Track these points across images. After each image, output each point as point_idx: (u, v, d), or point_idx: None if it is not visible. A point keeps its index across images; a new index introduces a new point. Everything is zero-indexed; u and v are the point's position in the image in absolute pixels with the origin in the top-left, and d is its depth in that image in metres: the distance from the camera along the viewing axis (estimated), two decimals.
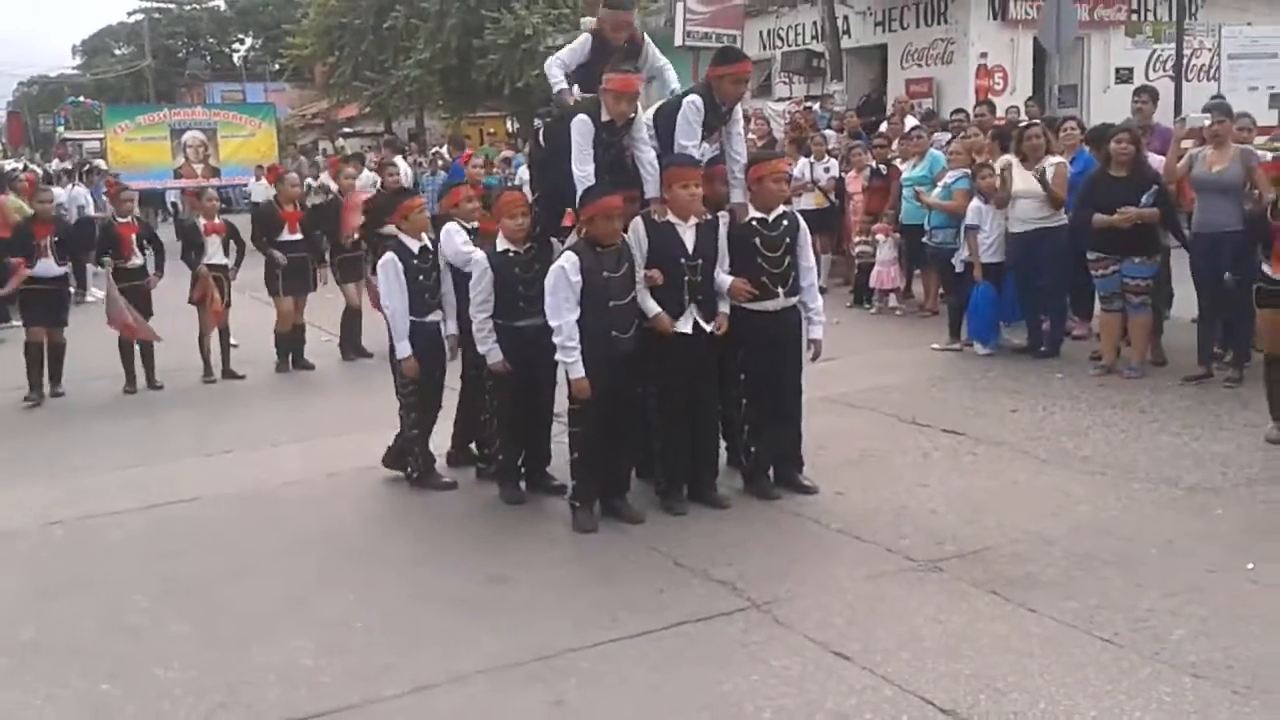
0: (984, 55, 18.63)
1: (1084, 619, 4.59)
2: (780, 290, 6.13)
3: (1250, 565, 5.05)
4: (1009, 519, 5.74)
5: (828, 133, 14.58)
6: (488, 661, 4.50)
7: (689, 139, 6.12)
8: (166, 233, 12.61)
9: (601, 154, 6.08)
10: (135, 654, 4.75)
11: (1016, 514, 5.81)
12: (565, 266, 5.71)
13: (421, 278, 6.59)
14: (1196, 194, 8.28)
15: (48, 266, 9.57)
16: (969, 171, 9.86)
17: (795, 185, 11.86)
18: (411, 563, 5.70)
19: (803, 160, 12.93)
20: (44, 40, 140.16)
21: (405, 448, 6.81)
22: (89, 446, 8.18)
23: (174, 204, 25.85)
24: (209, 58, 61.94)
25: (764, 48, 22.38)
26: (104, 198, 14.73)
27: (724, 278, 6.05)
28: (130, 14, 61.64)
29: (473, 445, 7.01)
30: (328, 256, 10.81)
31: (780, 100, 20.18)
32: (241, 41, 62.07)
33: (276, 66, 47.64)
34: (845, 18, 20.08)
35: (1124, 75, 19.45)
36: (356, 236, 10.65)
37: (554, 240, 6.36)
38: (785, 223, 6.20)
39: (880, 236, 11.62)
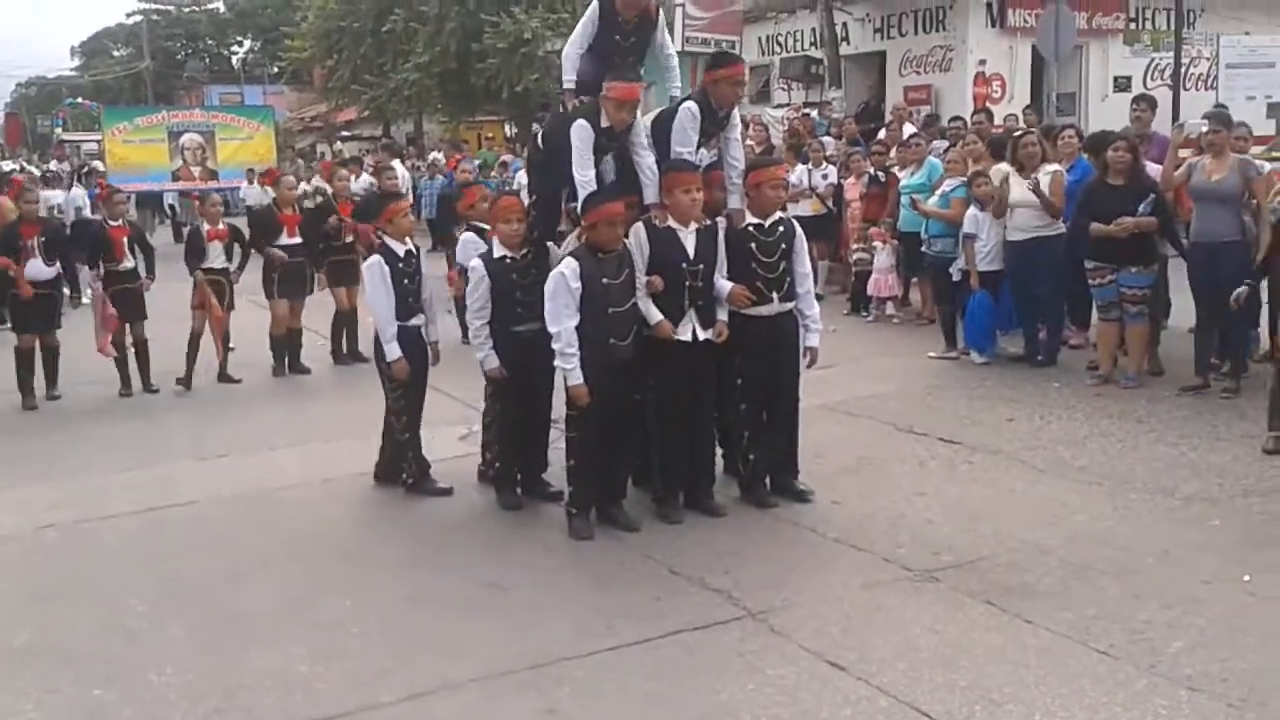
0: (982, 63, 18.69)
1: (1080, 630, 4.58)
2: (775, 295, 6.13)
3: (1247, 577, 5.05)
4: (1005, 528, 5.74)
5: (826, 139, 14.59)
6: (483, 669, 4.49)
7: (685, 145, 6.13)
8: (164, 235, 12.60)
9: (600, 159, 6.08)
10: (130, 658, 4.74)
11: (1013, 523, 5.81)
12: (565, 273, 5.71)
13: (406, 281, 6.60)
14: (1195, 203, 8.29)
15: (37, 269, 9.52)
16: (966, 180, 9.87)
17: (793, 192, 11.86)
18: (407, 568, 5.68)
19: (800, 167, 12.95)
20: (42, 41, 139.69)
21: (397, 454, 6.80)
22: (84, 450, 8.17)
23: (171, 206, 25.81)
24: (208, 60, 61.98)
25: (763, 54, 22.43)
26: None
27: (724, 284, 6.05)
28: (129, 15, 61.76)
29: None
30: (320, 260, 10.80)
31: (779, 106, 20.19)
32: (240, 44, 62.12)
33: (275, 69, 47.64)
34: (844, 24, 20.13)
35: (1122, 84, 19.53)
36: (350, 239, 10.63)
37: (550, 245, 6.36)
38: (781, 229, 6.20)
39: (878, 244, 11.63)
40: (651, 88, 6.79)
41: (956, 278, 9.60)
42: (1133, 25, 20.04)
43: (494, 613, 5.06)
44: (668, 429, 6.08)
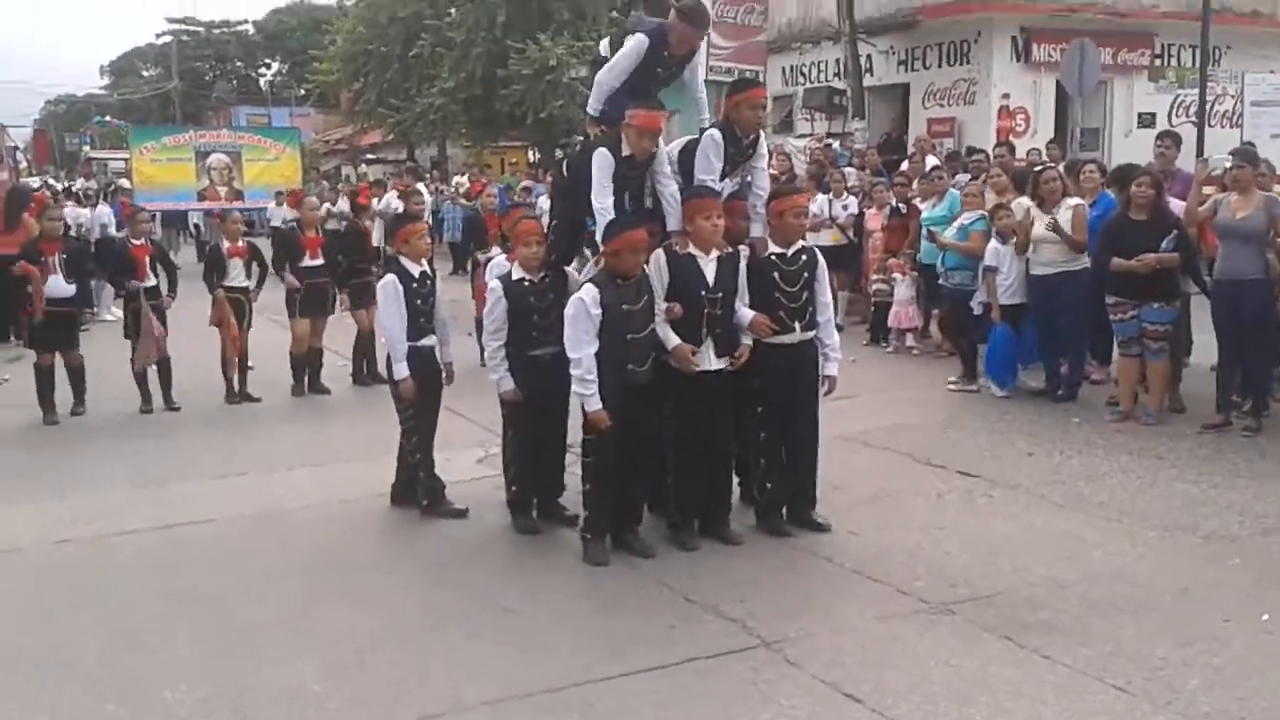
0: (1006, 96, 18.70)
1: (1097, 666, 4.54)
2: (797, 325, 6.13)
3: (1266, 615, 5.00)
4: (1023, 563, 5.70)
5: (848, 170, 14.61)
6: (495, 692, 4.48)
7: (708, 173, 6.14)
8: (188, 254, 12.68)
9: (621, 187, 6.10)
10: (143, 673, 4.75)
11: (1031, 558, 5.77)
12: (585, 299, 5.72)
13: (419, 301, 6.64)
14: (1219, 240, 8.25)
15: (58, 285, 9.60)
16: (985, 213, 9.87)
17: (813, 222, 11.87)
18: (422, 589, 5.68)
19: (821, 197, 12.96)
20: (72, 60, 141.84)
21: (411, 477, 6.82)
22: (104, 465, 8.21)
23: (196, 226, 26.01)
24: (236, 81, 62.56)
25: (786, 84, 22.51)
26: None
27: (745, 312, 6.05)
28: (158, 36, 62.39)
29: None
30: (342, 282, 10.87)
31: (801, 136, 20.24)
32: (268, 66, 62.68)
33: (302, 91, 48.25)
34: (868, 56, 20.18)
35: (1146, 120, 19.51)
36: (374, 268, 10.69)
37: (568, 269, 6.38)
38: (804, 257, 6.20)
39: (897, 275, 11.62)
40: (674, 116, 6.79)
41: (977, 310, 9.57)
42: (1158, 62, 20.04)
43: (507, 636, 5.05)
44: (684, 455, 6.06)
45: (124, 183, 23.14)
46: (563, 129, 25.98)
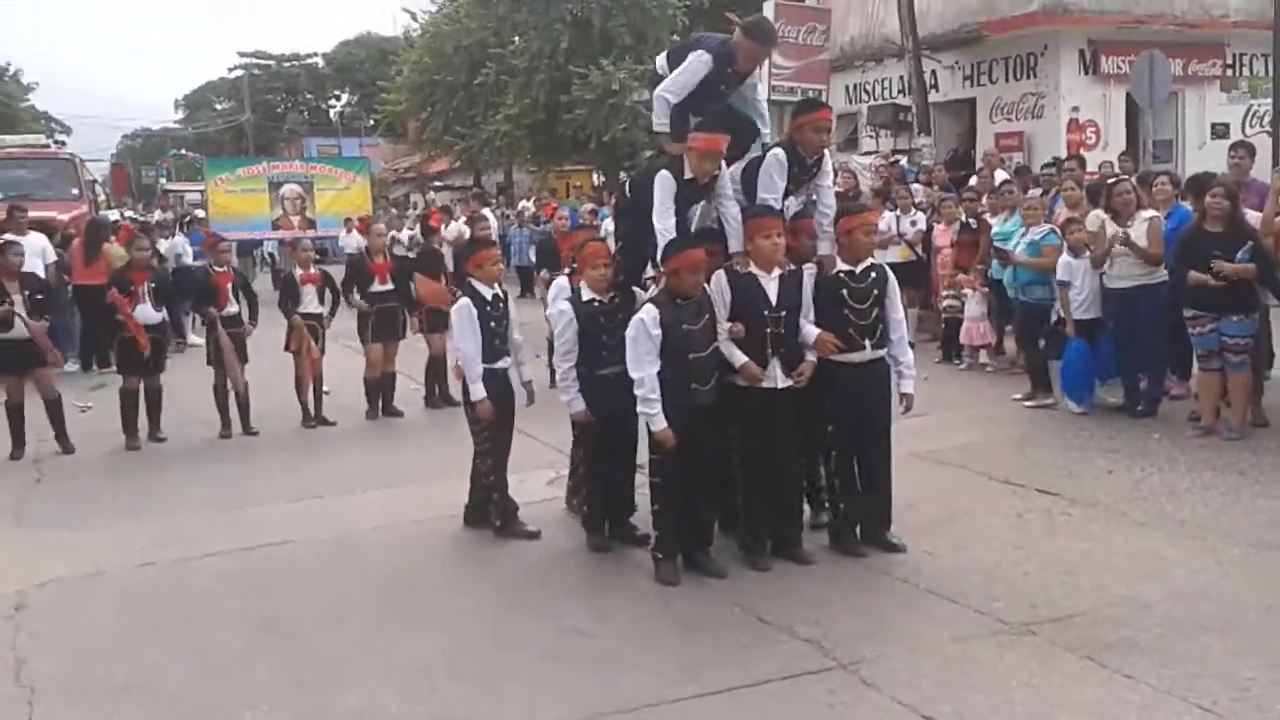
0: (1075, 109, 18.47)
1: (1182, 686, 4.43)
2: (867, 343, 6.09)
3: None
4: (1104, 582, 5.59)
5: (915, 186, 14.50)
6: (568, 713, 4.49)
7: (770, 192, 6.15)
8: (263, 282, 12.90)
9: (684, 209, 6.12)
10: (224, 697, 4.82)
11: (1112, 577, 5.66)
12: (645, 319, 5.75)
13: (493, 324, 6.71)
14: None
15: (146, 313, 9.82)
16: (1055, 227, 9.74)
17: (881, 238, 11.80)
18: (495, 611, 5.71)
19: (888, 214, 12.88)
20: (148, 94, 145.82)
21: (484, 498, 6.86)
22: (184, 490, 8.36)
23: (271, 254, 26.47)
24: (306, 113, 63.74)
25: (850, 102, 22.43)
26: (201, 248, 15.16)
27: (809, 329, 6.03)
28: (231, 70, 63.78)
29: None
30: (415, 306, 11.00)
31: (866, 154, 20.15)
32: (338, 98, 63.78)
33: (371, 122, 48.87)
34: (933, 72, 20.05)
35: (1220, 130, 19.15)
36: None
37: (636, 290, 6.40)
38: (873, 275, 6.17)
39: (968, 291, 11.50)
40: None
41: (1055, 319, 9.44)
42: (1230, 72, 19.67)
43: (579, 657, 5.06)
44: (752, 476, 6.04)
45: (199, 213, 23.61)
46: (625, 152, 26.12)
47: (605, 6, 26.37)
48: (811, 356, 6.02)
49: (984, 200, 12.21)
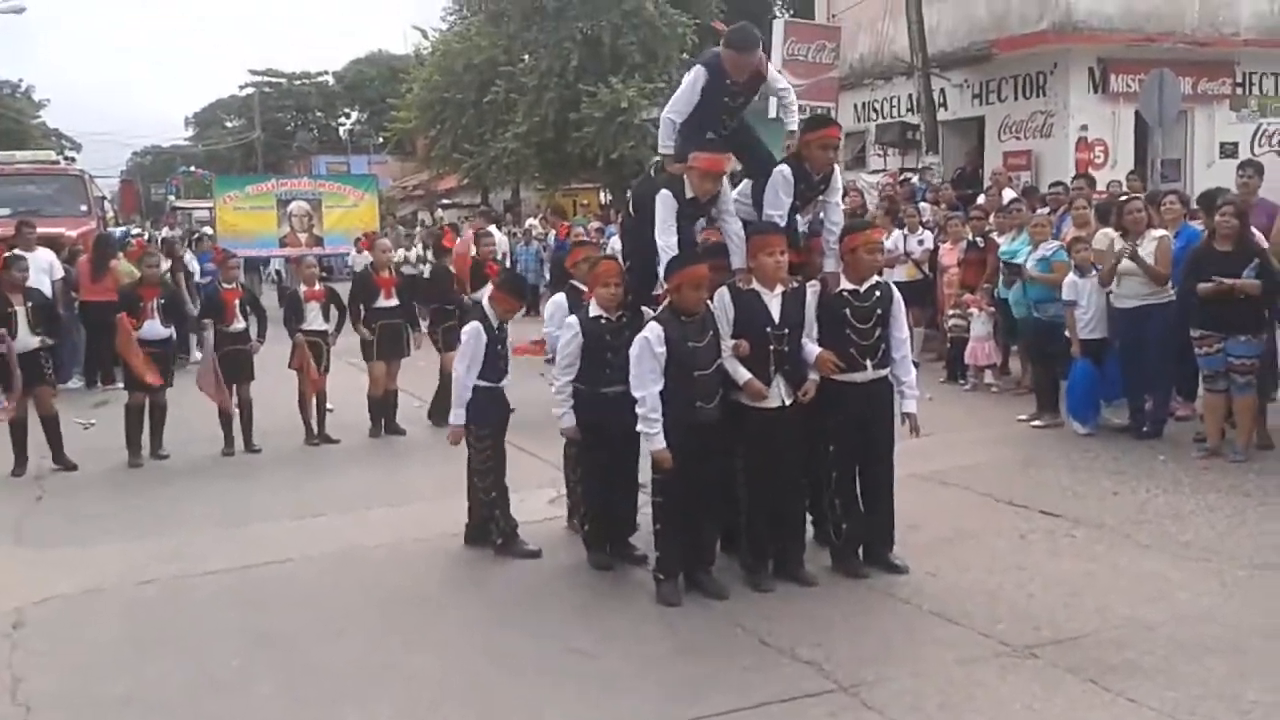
0: (1084, 128, 18.42)
1: (1186, 709, 4.40)
2: (869, 362, 6.06)
3: None
4: (1108, 604, 5.55)
5: (922, 205, 14.49)
6: None
7: (775, 208, 6.14)
8: (269, 299, 12.91)
9: (686, 226, 6.11)
10: (224, 713, 4.81)
11: (1116, 599, 5.61)
12: (650, 337, 5.73)
13: (499, 347, 6.79)
14: None
15: (154, 329, 9.84)
16: (1064, 245, 9.72)
17: (888, 257, 11.78)
18: (495, 630, 5.68)
19: (895, 232, 12.87)
20: (158, 112, 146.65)
21: (486, 516, 6.85)
22: (186, 506, 8.35)
23: (278, 271, 26.50)
24: (316, 130, 63.92)
25: (859, 120, 22.44)
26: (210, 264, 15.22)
27: (811, 348, 6.01)
28: (241, 88, 63.95)
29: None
30: (427, 324, 10.99)
31: (874, 172, 20.15)
32: (347, 115, 63.97)
33: (380, 139, 49.11)
34: (941, 90, 20.04)
35: (1229, 150, 19.09)
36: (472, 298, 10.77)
37: (645, 308, 6.38)
38: (878, 293, 6.14)
39: (974, 310, 11.46)
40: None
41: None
42: (1239, 91, 19.62)
43: (579, 678, 5.02)
44: (755, 495, 6.01)
45: (208, 230, 23.66)
46: (633, 170, 26.12)
47: (615, 25, 26.46)
48: (814, 375, 6.00)
49: (991, 219, 12.20)
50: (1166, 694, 4.53)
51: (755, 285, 5.93)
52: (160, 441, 9.95)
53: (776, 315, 5.89)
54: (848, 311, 6.06)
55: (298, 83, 63.24)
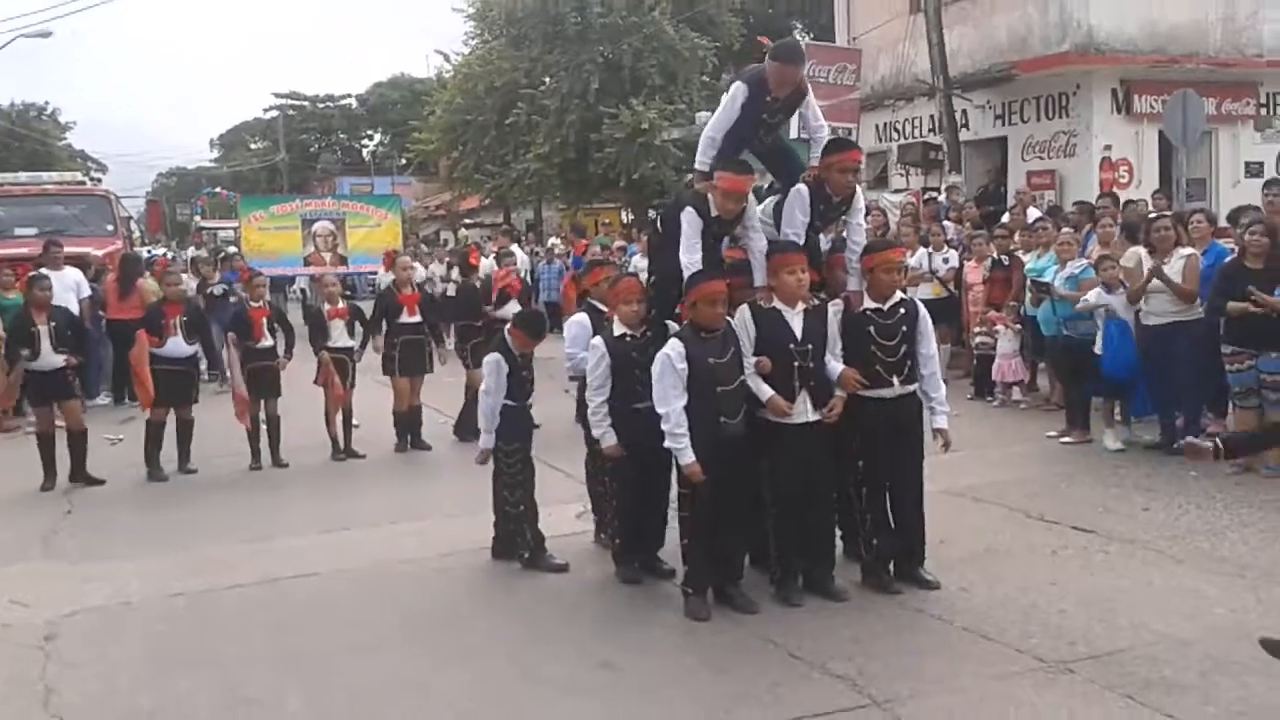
0: (1108, 148, 18.37)
1: None
2: (895, 379, 6.04)
3: None
4: (1143, 620, 5.49)
5: (946, 224, 14.45)
6: None
7: (793, 227, 6.14)
8: (294, 317, 12.95)
9: (712, 244, 6.11)
10: None
11: (1151, 615, 5.55)
12: (671, 354, 5.73)
13: (525, 373, 6.87)
14: None
15: (177, 346, 9.89)
16: (1090, 263, 9.67)
17: (913, 275, 11.77)
18: (523, 645, 5.66)
19: (921, 250, 12.84)
20: (184, 134, 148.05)
21: (511, 530, 6.84)
22: (214, 520, 8.37)
23: (303, 290, 26.63)
24: (340, 152, 64.26)
25: (880, 140, 22.42)
26: (237, 284, 15.28)
27: (835, 365, 5.99)
28: (266, 110, 64.32)
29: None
30: (454, 342, 11.01)
31: (896, 191, 20.12)
32: (370, 137, 64.29)
33: (403, 160, 49.40)
34: (963, 111, 20.03)
35: (1254, 169, 19.01)
36: (499, 311, 10.80)
37: (669, 324, 6.38)
38: (902, 311, 6.12)
39: (1000, 328, 11.41)
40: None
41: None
42: (1264, 111, 19.55)
43: (607, 693, 5.00)
44: (783, 510, 5.98)
45: (232, 249, 23.79)
46: (654, 190, 26.20)
47: (636, 48, 26.55)
48: (840, 392, 5.97)
49: (1016, 237, 12.16)
50: (1205, 709, 4.48)
51: (776, 303, 5.92)
52: (188, 456, 9.99)
53: (799, 332, 5.88)
54: (872, 329, 6.05)
55: (321, 105, 63.65)
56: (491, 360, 6.79)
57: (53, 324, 9.64)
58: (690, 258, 5.94)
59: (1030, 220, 12.60)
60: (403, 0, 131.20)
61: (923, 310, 6.28)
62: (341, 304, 10.61)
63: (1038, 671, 4.98)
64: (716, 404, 5.73)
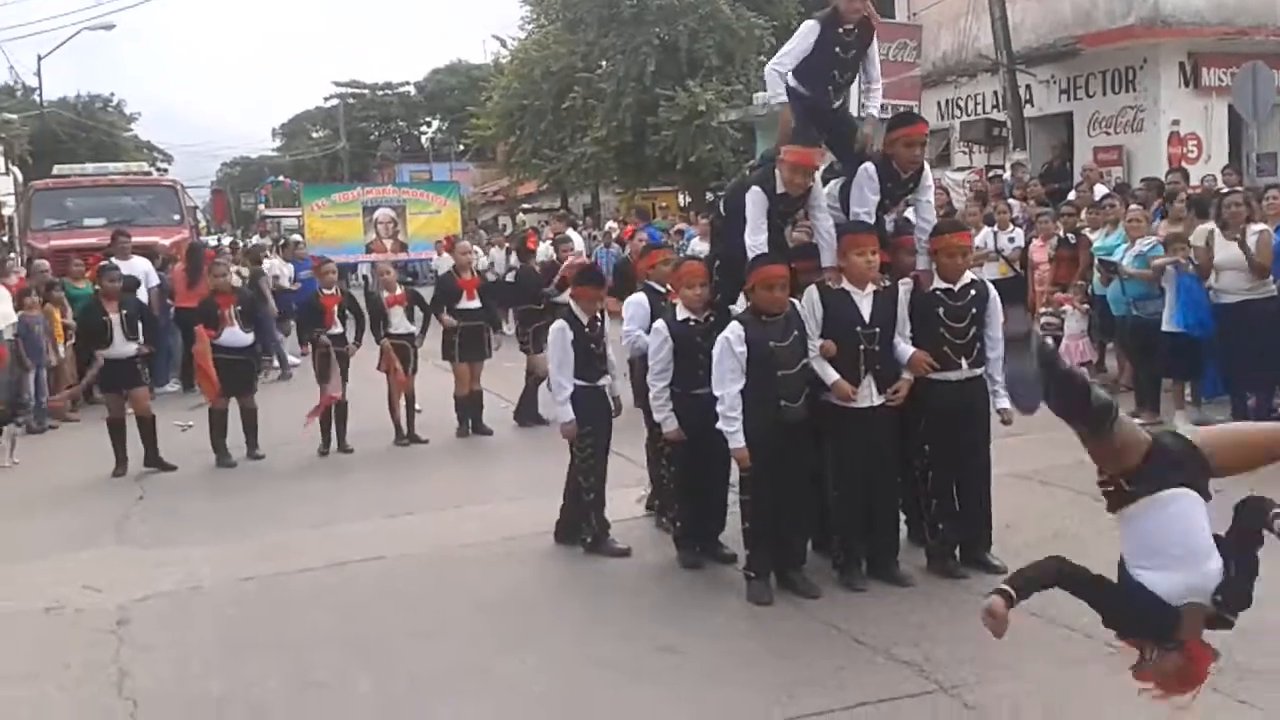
0: (1176, 123, 17.98)
1: None
2: (964, 361, 5.96)
3: None
4: None
5: (1011, 201, 14.23)
6: None
7: (862, 206, 6.08)
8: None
9: (778, 225, 6.05)
10: (321, 713, 4.87)
11: None
12: (730, 337, 5.70)
13: (593, 345, 6.75)
14: None
15: (234, 335, 9.98)
16: (1160, 241, 9.47)
17: (978, 255, 11.58)
18: (586, 629, 5.70)
19: (985, 229, 12.64)
20: (246, 124, 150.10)
21: (580, 514, 6.85)
22: (281, 506, 8.49)
23: (365, 277, 26.93)
24: (399, 139, 64.69)
25: (942, 118, 22.12)
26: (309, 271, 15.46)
27: (905, 347, 5.92)
28: (326, 99, 64.90)
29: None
30: (515, 326, 11.05)
31: (959, 170, 19.85)
32: (429, 124, 64.67)
33: (461, 147, 49.69)
34: (1027, 86, 19.70)
35: None
36: (558, 296, 10.82)
37: (733, 309, 6.34)
38: (972, 293, 6.03)
39: (1067, 308, 11.22)
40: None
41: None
42: None
43: (671, 677, 5.00)
44: (846, 495, 5.94)
45: (296, 238, 24.08)
46: (712, 172, 26.10)
47: (692, 30, 26.44)
48: (907, 375, 5.91)
49: (1083, 215, 11.93)
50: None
51: (845, 284, 5.86)
52: (255, 442, 10.13)
53: (867, 314, 5.83)
54: (941, 311, 5.97)
55: (380, 93, 64.07)
56: (556, 328, 6.77)
57: (124, 313, 9.80)
58: (755, 239, 5.90)
59: (1097, 197, 12.35)
60: None
61: (993, 292, 6.18)
62: (399, 290, 10.69)
63: (1109, 657, 4.88)
64: (777, 388, 5.69)
